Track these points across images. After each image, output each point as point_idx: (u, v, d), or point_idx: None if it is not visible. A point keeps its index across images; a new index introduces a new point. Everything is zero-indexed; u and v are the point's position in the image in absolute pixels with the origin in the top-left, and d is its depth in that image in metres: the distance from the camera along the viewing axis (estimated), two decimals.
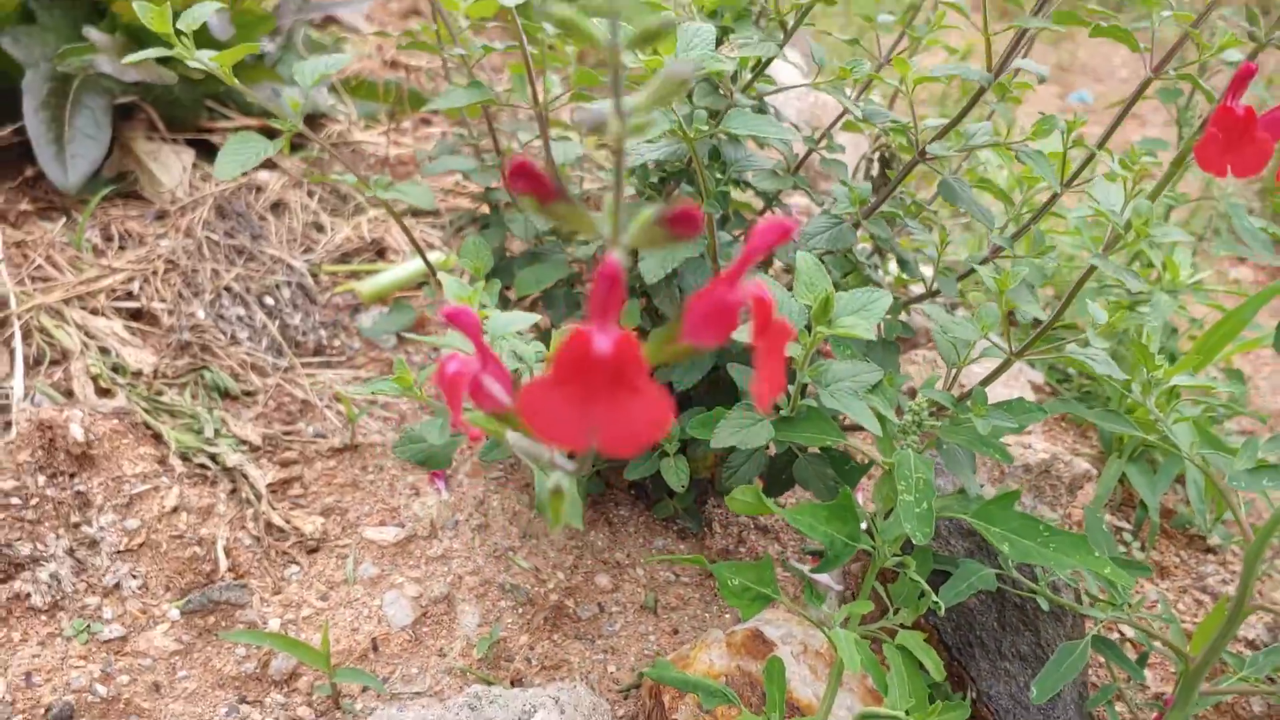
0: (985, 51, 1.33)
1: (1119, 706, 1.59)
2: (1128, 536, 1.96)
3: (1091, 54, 6.21)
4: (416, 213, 2.50)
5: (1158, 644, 1.65)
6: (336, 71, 1.54)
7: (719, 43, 1.59)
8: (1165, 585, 1.89)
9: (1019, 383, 2.03)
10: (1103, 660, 1.66)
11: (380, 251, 2.40)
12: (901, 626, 1.34)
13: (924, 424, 1.32)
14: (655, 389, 0.56)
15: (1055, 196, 1.40)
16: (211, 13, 1.46)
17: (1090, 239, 1.39)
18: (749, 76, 1.40)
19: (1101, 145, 1.42)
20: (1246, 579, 1.37)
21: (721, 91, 1.44)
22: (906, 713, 1.22)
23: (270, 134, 2.65)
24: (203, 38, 2.46)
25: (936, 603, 1.29)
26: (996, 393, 1.98)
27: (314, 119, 2.78)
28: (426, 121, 2.90)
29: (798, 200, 2.57)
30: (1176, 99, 2.08)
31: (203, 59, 1.48)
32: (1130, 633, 1.74)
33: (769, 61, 1.39)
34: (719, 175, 1.43)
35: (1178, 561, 1.94)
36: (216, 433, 1.82)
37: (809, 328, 1.21)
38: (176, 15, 1.43)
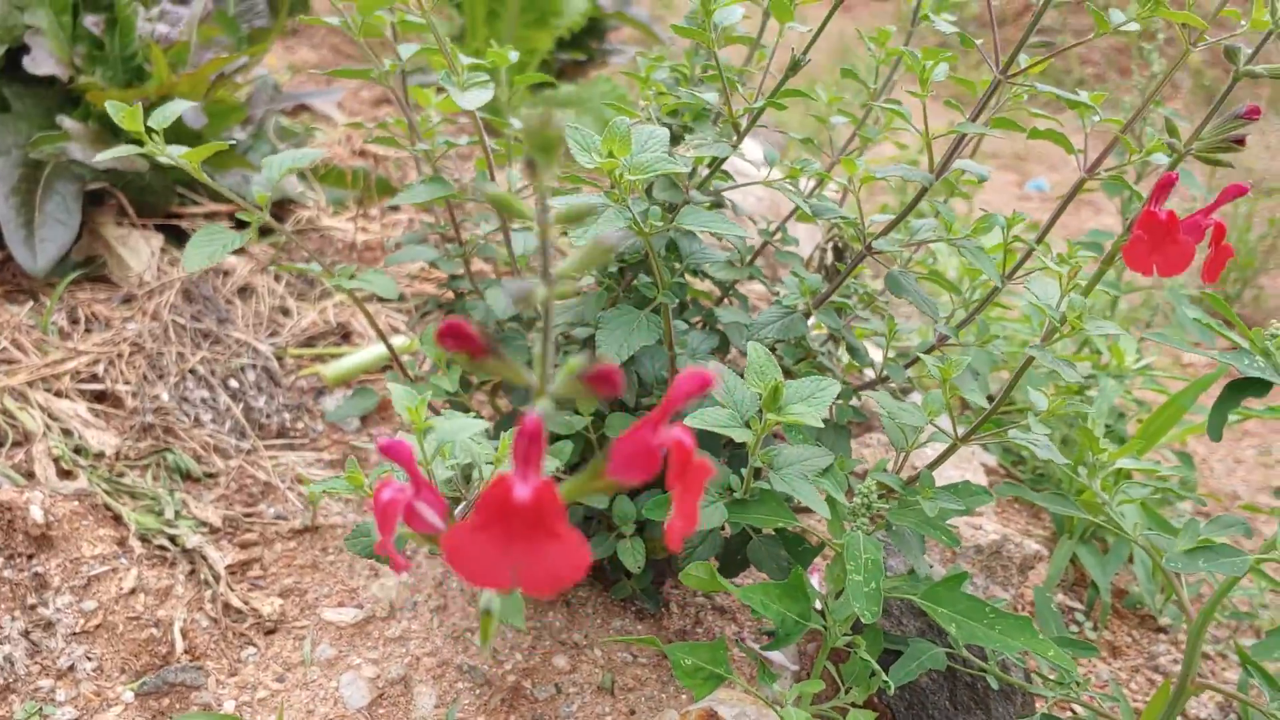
0: (927, 154, 1.40)
1: None
2: (1080, 616, 1.99)
3: (1047, 143, 6.39)
4: (382, 298, 2.54)
5: None
6: (306, 164, 1.59)
7: (677, 140, 1.65)
8: (1118, 665, 1.92)
9: (971, 465, 2.07)
10: None
11: (345, 335, 2.44)
12: (853, 705, 1.36)
13: (873, 506, 1.35)
14: (573, 534, 0.61)
15: (996, 290, 1.46)
16: (183, 110, 1.50)
17: (1037, 325, 1.45)
18: (705, 173, 1.46)
19: (1040, 240, 1.48)
20: (1190, 657, 1.40)
21: (679, 186, 1.50)
22: None
23: (239, 223, 2.70)
24: (175, 126, 2.51)
25: (886, 682, 1.32)
26: (949, 475, 2.03)
27: (283, 205, 2.83)
28: (395, 208, 2.95)
29: (755, 288, 2.63)
30: (1120, 191, 2.17)
31: (173, 155, 1.52)
32: (1082, 712, 1.76)
33: (723, 160, 1.45)
34: (675, 266, 1.47)
35: (1130, 641, 1.97)
36: (177, 514, 1.83)
37: (760, 414, 1.25)
38: (149, 111, 1.47)
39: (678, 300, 1.46)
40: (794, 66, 1.35)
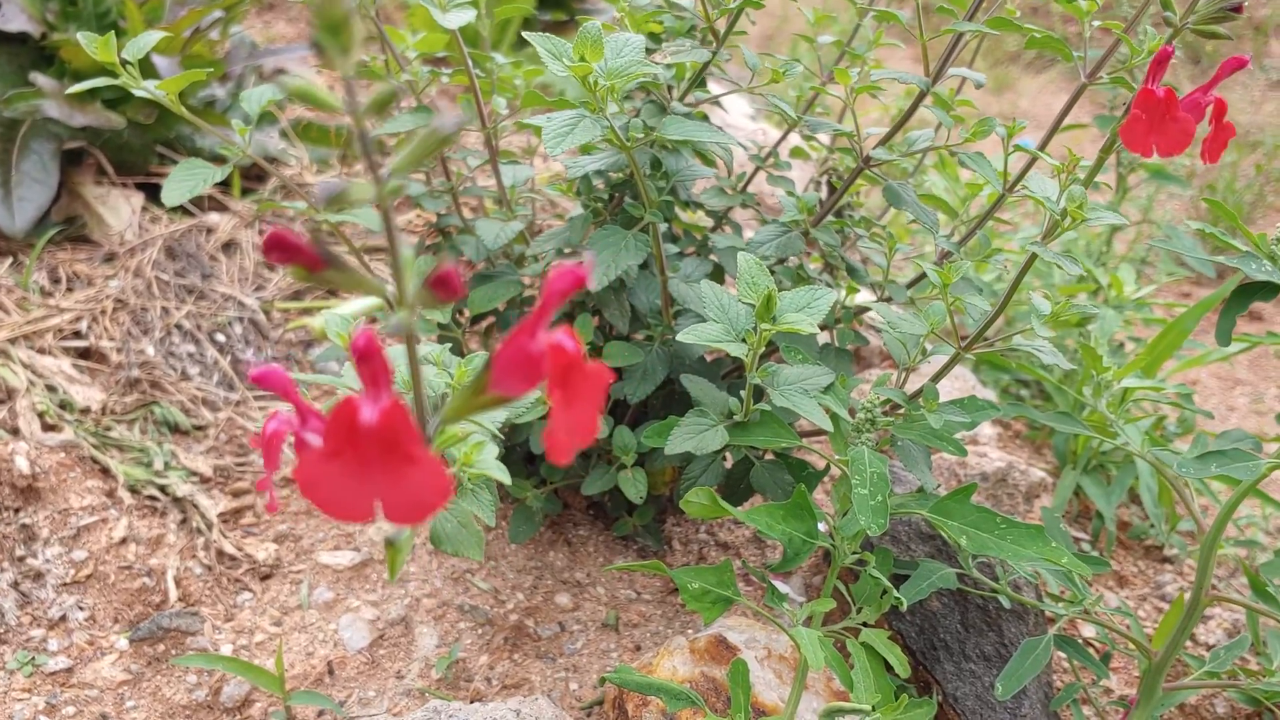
0: (923, 57, 1.36)
1: (1085, 709, 1.58)
2: (1085, 547, 1.97)
3: (1033, 103, 6.35)
4: (369, 249, 2.50)
5: (1120, 646, 1.65)
6: (280, 99, 1.54)
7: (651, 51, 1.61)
8: (1125, 594, 1.90)
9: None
10: (1067, 664, 1.66)
11: (332, 291, 2.39)
12: (864, 625, 1.33)
13: (877, 421, 1.32)
14: (431, 458, 0.56)
15: (1000, 199, 1.43)
16: (155, 41, 1.46)
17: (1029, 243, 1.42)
18: (686, 86, 1.42)
19: (1042, 147, 1.44)
20: (1203, 569, 1.38)
21: (661, 105, 1.46)
22: (872, 708, 1.21)
23: (222, 183, 2.65)
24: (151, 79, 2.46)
25: (899, 598, 1.29)
26: (947, 410, 2.00)
27: (265, 162, 2.77)
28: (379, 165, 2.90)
29: (747, 217, 2.58)
30: (1110, 126, 2.11)
31: (149, 87, 1.47)
32: (1092, 635, 1.74)
33: (704, 68, 1.41)
34: (661, 185, 1.44)
35: (1135, 571, 1.95)
36: (166, 465, 1.79)
37: (755, 328, 1.22)
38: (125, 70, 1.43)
39: (666, 221, 1.42)
40: None
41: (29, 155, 2.33)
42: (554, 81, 3.14)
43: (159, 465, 1.78)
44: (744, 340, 1.21)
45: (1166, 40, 1.12)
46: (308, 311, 2.28)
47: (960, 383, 2.08)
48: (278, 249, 0.58)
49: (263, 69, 3.40)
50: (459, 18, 1.42)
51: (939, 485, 1.63)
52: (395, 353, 1.11)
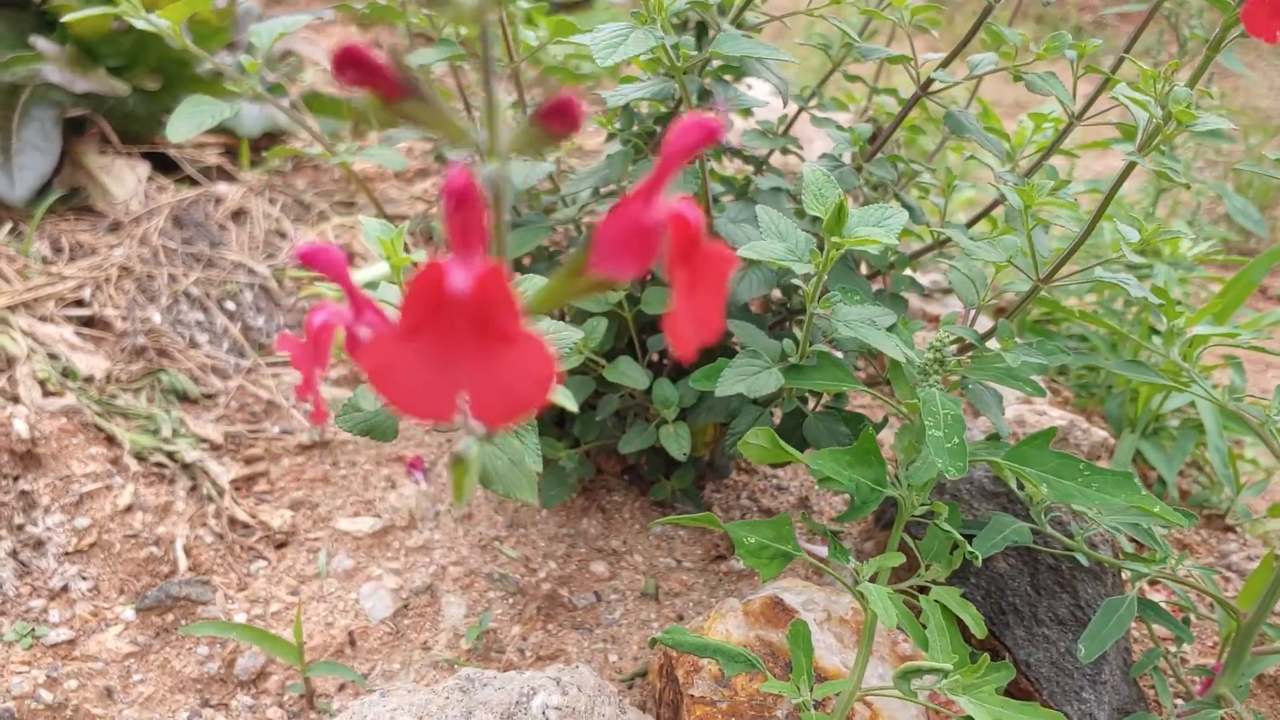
0: None
1: (1165, 678, 1.47)
2: None
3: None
4: (385, 218, 2.40)
5: (1201, 610, 1.54)
6: (298, 29, 1.45)
7: (699, 31, 1.51)
8: (1189, 564, 1.78)
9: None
10: (1140, 631, 1.55)
11: (349, 257, 2.29)
12: (934, 583, 1.22)
13: (946, 361, 1.22)
14: (532, 336, 0.44)
15: (1070, 126, 1.32)
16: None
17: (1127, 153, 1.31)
18: (738, 7, 1.32)
19: (1115, 69, 1.34)
20: None
21: (705, 21, 1.36)
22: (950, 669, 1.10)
23: (229, 149, 2.56)
24: (154, 50, 2.37)
25: (973, 553, 1.18)
26: (1022, 351, 1.89)
27: (274, 137, 2.68)
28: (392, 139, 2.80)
29: (790, 161, 2.47)
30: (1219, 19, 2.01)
31: (149, 18, 1.38)
32: (1161, 599, 1.63)
33: None
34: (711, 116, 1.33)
35: (1199, 539, 1.84)
36: (175, 432, 1.69)
37: (821, 246, 1.12)
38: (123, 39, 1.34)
39: (715, 152, 1.32)
40: None
41: (30, 122, 2.23)
42: (575, 54, 3.05)
43: (167, 432, 1.68)
44: (809, 261, 1.11)
45: None
46: (321, 278, 2.18)
47: (1134, 257, 1.97)
48: (352, 65, 0.47)
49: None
50: None
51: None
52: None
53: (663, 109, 1.43)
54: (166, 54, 2.40)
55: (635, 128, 1.47)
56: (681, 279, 0.51)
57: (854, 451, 1.18)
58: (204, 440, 1.69)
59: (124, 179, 2.32)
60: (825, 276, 1.12)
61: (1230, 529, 1.91)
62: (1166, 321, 1.51)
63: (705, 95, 1.38)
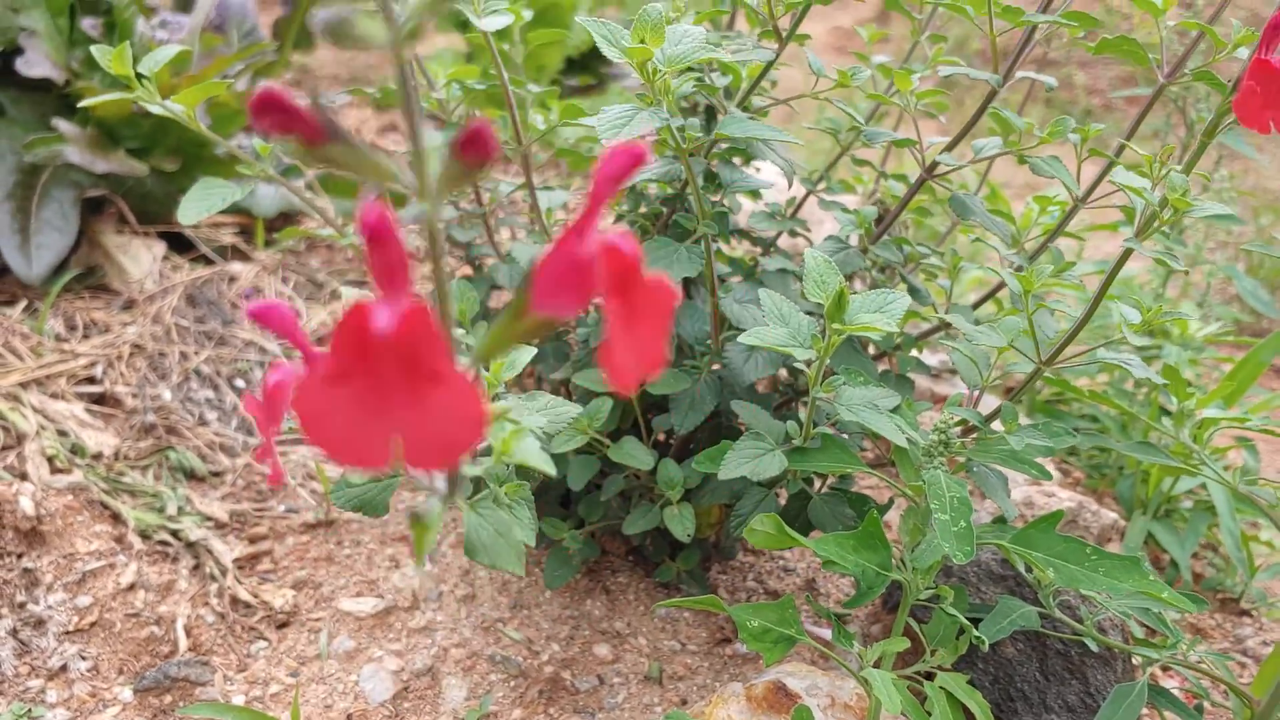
0: (991, 51, 1.28)
1: None
2: None
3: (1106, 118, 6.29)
4: None
5: (1213, 695, 1.51)
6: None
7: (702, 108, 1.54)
8: (1203, 649, 1.75)
9: None
10: (1157, 718, 1.52)
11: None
12: (939, 669, 1.21)
13: (951, 443, 1.21)
14: (463, 378, 0.44)
15: (1074, 208, 1.33)
16: (172, 54, 1.39)
17: (1125, 239, 1.32)
18: (745, 90, 1.34)
19: (1119, 153, 1.35)
20: None
21: (713, 105, 1.38)
22: None
23: (244, 228, 2.59)
24: (173, 133, 2.41)
25: (979, 638, 1.17)
26: (1027, 433, 1.88)
27: (288, 217, 2.72)
28: (403, 219, 2.84)
29: (795, 248, 2.49)
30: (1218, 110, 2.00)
31: (165, 103, 1.40)
32: (1174, 687, 1.60)
33: (766, 69, 1.33)
34: (714, 199, 1.35)
35: (1213, 624, 1.81)
36: (180, 510, 1.69)
37: (822, 332, 1.12)
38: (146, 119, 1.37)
39: (717, 231, 1.33)
40: None
41: (49, 202, 2.27)
42: (586, 137, 3.10)
43: (172, 510, 1.68)
44: (810, 347, 1.11)
45: None
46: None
47: (1135, 340, 1.97)
48: (270, 112, 0.46)
49: None
50: (495, 22, 1.35)
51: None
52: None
53: (670, 190, 1.45)
54: (185, 135, 2.44)
55: (643, 209, 1.49)
56: (616, 309, 0.51)
57: (859, 535, 1.18)
58: (209, 518, 1.69)
59: (140, 258, 2.35)
60: (828, 360, 1.13)
61: (1246, 613, 1.88)
62: (1177, 403, 1.51)
63: (711, 177, 1.39)
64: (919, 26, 1.57)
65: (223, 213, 2.62)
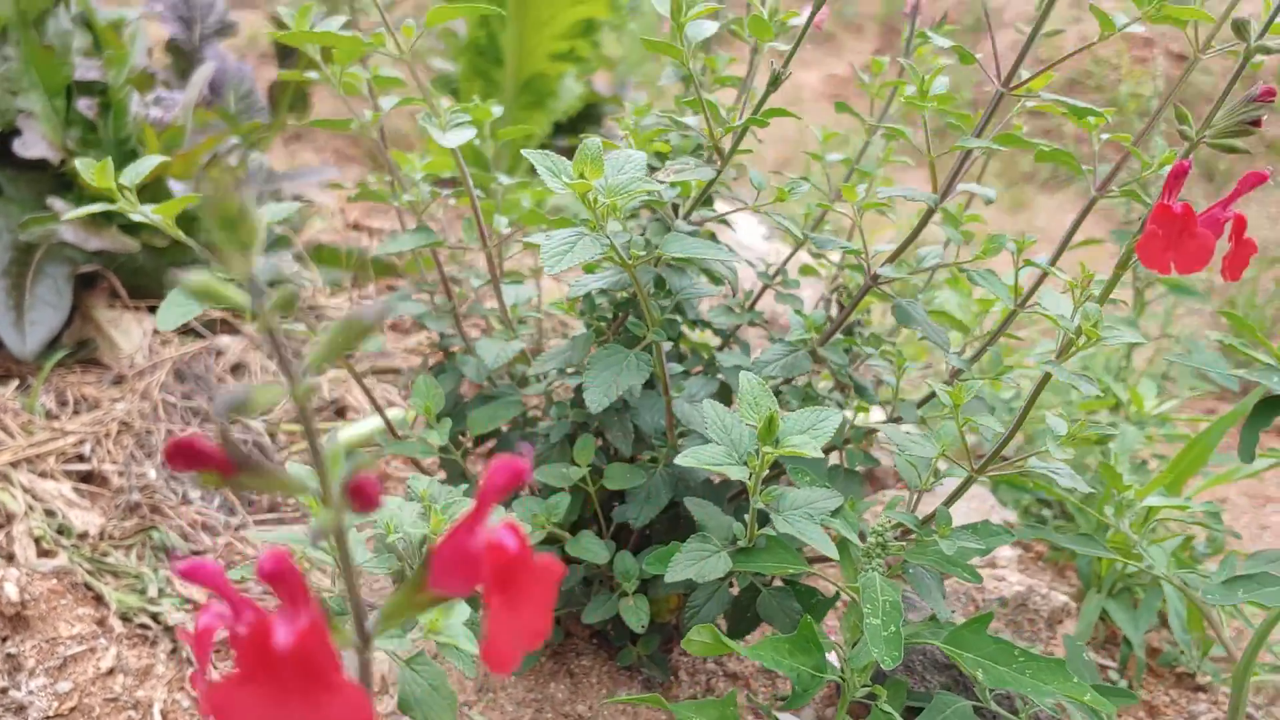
0: (931, 175, 1.34)
1: None
2: (1113, 674, 1.88)
3: (1049, 221, 6.36)
4: (378, 371, 2.48)
5: None
6: (285, 219, 1.54)
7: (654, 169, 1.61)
8: None
9: (995, 516, 1.98)
10: None
11: (340, 411, 2.37)
12: None
13: (888, 546, 1.27)
14: (351, 687, 0.52)
15: (1011, 316, 1.40)
16: (153, 166, 1.46)
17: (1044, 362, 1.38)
18: (690, 204, 1.41)
19: (1054, 261, 1.42)
20: (1236, 702, 1.30)
21: (665, 223, 1.45)
22: None
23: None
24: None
25: None
26: (961, 536, 1.94)
27: (279, 286, 2.79)
28: (391, 287, 2.92)
29: (757, 335, 2.56)
30: (1126, 241, 2.10)
31: (145, 211, 1.47)
32: None
33: (709, 187, 1.40)
34: (665, 303, 1.42)
35: (1168, 700, 1.85)
36: (161, 592, 1.75)
37: (757, 451, 1.18)
38: (141, 193, 1.44)
39: (670, 339, 1.39)
40: (774, 82, 1.30)
41: (43, 279, 2.34)
42: (568, 204, 3.18)
43: (153, 592, 1.74)
44: (745, 463, 1.17)
45: (1183, 155, 1.10)
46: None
47: (978, 503, 2.02)
48: (183, 457, 0.54)
49: (281, 192, 3.45)
50: (458, 137, 1.43)
51: (952, 613, 1.57)
52: (353, 542, 1.08)
53: (624, 295, 1.52)
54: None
55: (608, 302, 1.55)
56: (496, 603, 0.58)
57: (794, 639, 1.23)
58: (188, 600, 1.74)
59: (131, 332, 2.42)
60: (765, 471, 1.18)
61: (1201, 688, 1.92)
62: (1116, 494, 1.56)
63: (661, 283, 1.46)
64: (870, 128, 1.64)
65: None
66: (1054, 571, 2.11)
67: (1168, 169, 1.31)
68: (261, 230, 0.56)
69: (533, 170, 1.29)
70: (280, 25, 3.39)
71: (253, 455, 0.55)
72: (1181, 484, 1.84)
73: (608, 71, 4.35)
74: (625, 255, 1.26)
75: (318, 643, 0.50)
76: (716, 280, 1.57)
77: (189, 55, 3.28)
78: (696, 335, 1.85)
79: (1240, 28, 1.03)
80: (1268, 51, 1.02)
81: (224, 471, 0.55)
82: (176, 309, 1.47)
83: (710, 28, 1.28)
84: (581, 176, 1.13)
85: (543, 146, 3.86)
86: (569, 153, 3.90)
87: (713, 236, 1.72)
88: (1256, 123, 1.04)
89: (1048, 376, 1.17)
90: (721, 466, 1.15)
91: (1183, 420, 2.10)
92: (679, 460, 1.15)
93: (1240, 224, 1.04)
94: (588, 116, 4.11)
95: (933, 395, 1.58)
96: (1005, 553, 1.91)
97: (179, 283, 1.44)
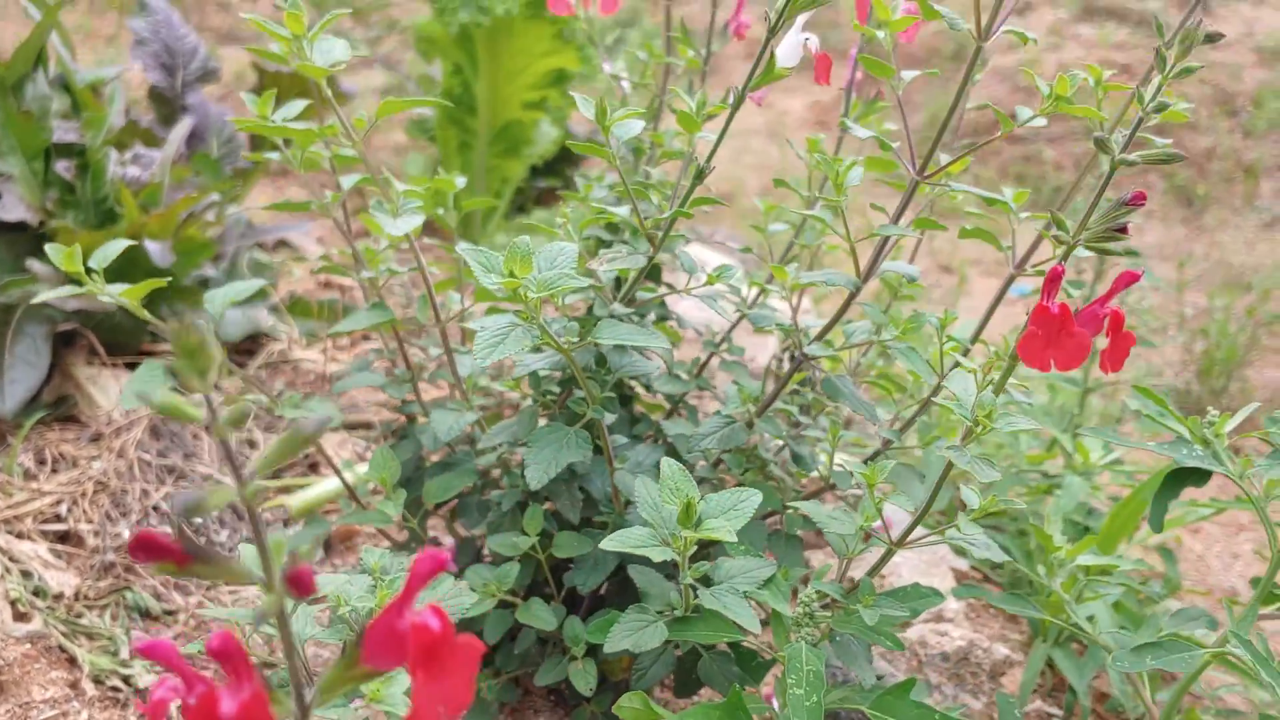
0: (852, 257, 1.41)
1: None
2: None
3: (987, 284, 6.44)
4: (350, 425, 2.55)
5: None
6: (247, 295, 1.61)
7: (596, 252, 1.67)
8: None
9: (940, 569, 2.04)
10: None
11: (313, 466, 2.44)
12: None
13: (816, 616, 1.33)
14: None
15: (935, 390, 1.46)
16: (120, 250, 1.52)
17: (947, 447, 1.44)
18: (626, 288, 1.48)
19: (975, 338, 1.48)
20: None
21: (601, 299, 1.51)
22: None
23: None
24: (143, 265, 2.55)
25: None
26: (913, 579, 2.00)
27: (255, 338, 2.85)
28: (366, 337, 2.98)
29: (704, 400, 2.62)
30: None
31: (112, 293, 1.53)
32: None
33: (641, 273, 1.46)
34: (607, 378, 1.48)
35: None
36: (132, 654, 1.81)
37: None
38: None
39: (611, 415, 1.46)
40: (698, 175, 1.37)
41: (22, 338, 2.41)
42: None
43: (125, 654, 1.80)
44: (669, 544, 1.23)
45: (1061, 258, 1.16)
46: (286, 490, 2.32)
47: (929, 554, 2.08)
48: (144, 550, 0.61)
49: (265, 243, 3.52)
50: (407, 224, 1.49)
51: (894, 676, 1.63)
52: (332, 580, 1.14)
53: (566, 373, 1.58)
54: (152, 270, 2.58)
55: (547, 382, 1.62)
56: (420, 679, 0.66)
57: (724, 707, 1.29)
58: (158, 663, 1.80)
59: (108, 389, 2.48)
60: (691, 550, 1.25)
61: None
62: (1046, 555, 1.62)
63: (603, 360, 1.52)
64: (808, 201, 1.71)
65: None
66: (1005, 619, 2.17)
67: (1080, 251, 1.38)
68: (218, 357, 0.63)
69: (519, 211, 1.35)
70: (259, 70, 3.44)
71: (205, 548, 0.62)
72: (1117, 540, 1.90)
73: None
74: (560, 342, 1.32)
75: (259, 713, 0.58)
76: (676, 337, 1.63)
77: (172, 102, 3.35)
78: (650, 398, 1.91)
79: (1102, 144, 1.10)
80: (1130, 164, 1.09)
81: (180, 563, 0.62)
82: (143, 386, 1.54)
83: (637, 126, 1.35)
84: (511, 274, 1.20)
85: (519, 191, 3.93)
86: (547, 194, 3.97)
87: (662, 303, 1.79)
88: (1123, 229, 1.10)
89: (949, 466, 1.23)
90: (644, 549, 1.21)
91: (1132, 470, 2.16)
92: (603, 545, 1.21)
93: (1117, 319, 1.10)
94: (565, 158, 4.19)
95: (878, 454, 1.64)
96: (954, 603, 1.97)
97: (145, 374, 1.49)
